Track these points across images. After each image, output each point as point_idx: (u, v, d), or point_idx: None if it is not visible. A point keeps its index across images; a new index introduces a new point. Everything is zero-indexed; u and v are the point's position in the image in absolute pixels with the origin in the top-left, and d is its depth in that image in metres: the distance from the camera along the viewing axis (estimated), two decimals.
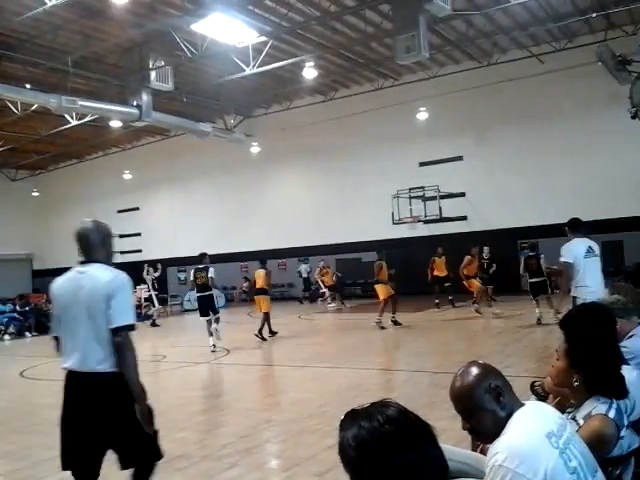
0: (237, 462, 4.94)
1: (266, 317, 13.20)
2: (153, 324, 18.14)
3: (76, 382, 3.30)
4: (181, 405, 7.32)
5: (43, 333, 18.22)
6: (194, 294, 22.31)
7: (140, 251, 29.16)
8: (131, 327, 3.25)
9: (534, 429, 1.87)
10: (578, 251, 6.36)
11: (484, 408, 1.94)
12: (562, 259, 6.36)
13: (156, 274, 18.61)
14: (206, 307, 12.11)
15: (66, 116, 18.95)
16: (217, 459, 5.05)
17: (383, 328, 13.25)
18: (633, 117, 6.99)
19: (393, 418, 1.37)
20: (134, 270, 24.80)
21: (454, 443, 3.39)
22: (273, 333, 13.44)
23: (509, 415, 1.93)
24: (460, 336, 11.54)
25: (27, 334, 17.97)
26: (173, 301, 23.75)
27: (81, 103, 16.25)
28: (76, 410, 3.28)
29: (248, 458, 5.05)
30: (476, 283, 14.62)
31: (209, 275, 11.86)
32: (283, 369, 9.54)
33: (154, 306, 18.60)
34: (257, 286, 13.44)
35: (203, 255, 12.31)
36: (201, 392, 8.18)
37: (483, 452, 2.21)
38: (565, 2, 15.87)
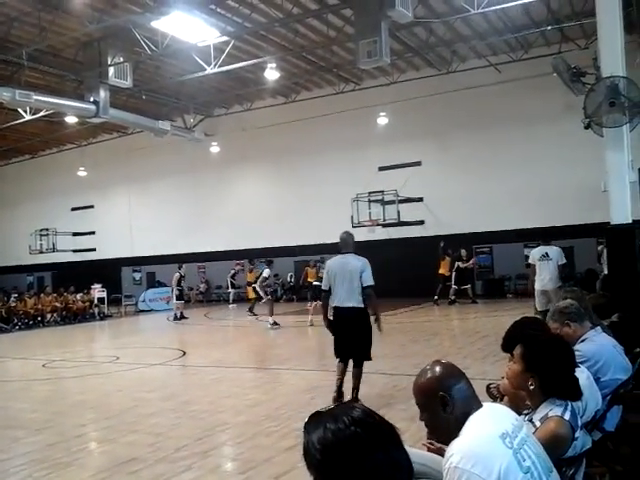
0: (192, 465, 4.86)
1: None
2: (176, 318, 18.64)
3: (340, 312, 6.48)
4: (134, 407, 7.18)
5: None
6: (149, 294, 21.96)
7: (94, 250, 28.56)
8: (373, 286, 6.43)
9: (488, 430, 1.91)
10: (535, 255, 9.52)
11: (432, 411, 2.01)
12: (529, 260, 9.80)
13: (181, 271, 19.17)
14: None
15: (20, 110, 18.39)
16: (171, 462, 4.97)
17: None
18: (586, 127, 7.19)
19: (359, 419, 1.35)
20: (87, 268, 24.41)
21: (411, 444, 3.43)
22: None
23: (465, 416, 1.96)
24: (416, 338, 11.66)
25: None
26: (127, 301, 23.30)
27: (36, 97, 15.81)
28: (343, 327, 6.46)
29: (203, 461, 4.98)
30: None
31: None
32: (239, 371, 9.46)
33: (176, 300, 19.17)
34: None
35: None
36: (155, 394, 8.02)
37: (441, 453, 2.24)
38: (522, 14, 16.27)
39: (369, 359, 6.56)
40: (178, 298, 18.93)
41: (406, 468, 1.37)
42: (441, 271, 18.53)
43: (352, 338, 6.42)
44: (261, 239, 23.38)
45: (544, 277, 9.28)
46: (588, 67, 8.06)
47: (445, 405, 1.97)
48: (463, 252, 18.48)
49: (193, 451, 5.23)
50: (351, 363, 6.59)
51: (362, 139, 21.79)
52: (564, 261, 9.46)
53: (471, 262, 18.67)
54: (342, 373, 6.50)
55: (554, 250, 9.44)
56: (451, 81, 19.56)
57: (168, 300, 21.80)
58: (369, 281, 6.38)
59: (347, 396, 6.47)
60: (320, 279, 15.71)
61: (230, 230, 24.40)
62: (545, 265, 9.32)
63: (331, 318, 6.63)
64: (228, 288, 23.27)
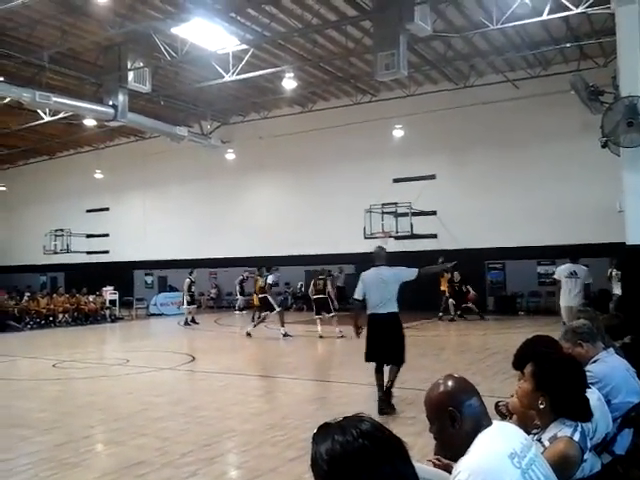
0: (197, 471, 4.87)
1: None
2: (186, 323, 18.71)
3: (376, 318, 7.00)
4: (143, 411, 7.21)
5: (3, 331, 17.79)
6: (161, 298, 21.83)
7: (107, 252, 28.74)
8: (416, 278, 7.14)
9: (497, 449, 1.90)
10: (563, 273, 10.14)
11: (441, 425, 2.02)
12: (554, 276, 10.60)
13: (192, 276, 19.28)
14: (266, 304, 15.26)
15: (39, 111, 18.62)
16: (177, 467, 4.98)
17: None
18: (603, 146, 7.17)
19: (367, 432, 1.36)
20: (100, 270, 24.46)
21: (418, 459, 3.41)
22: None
23: (474, 433, 1.96)
24: (425, 352, 11.60)
25: None
26: (139, 304, 23.40)
27: (55, 99, 15.99)
28: (377, 331, 6.95)
29: (209, 467, 4.98)
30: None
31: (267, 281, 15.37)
32: (247, 378, 9.46)
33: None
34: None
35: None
36: (163, 398, 8.04)
37: (448, 470, 2.23)
38: (540, 31, 16.26)
39: (403, 361, 7.08)
40: (189, 303, 19.01)
41: None
42: (442, 288, 18.31)
43: (387, 342, 6.96)
44: (273, 247, 23.42)
45: (570, 293, 9.89)
46: (606, 86, 8.06)
47: (454, 420, 1.98)
48: (456, 275, 18.08)
49: (199, 457, 5.24)
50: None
51: (377, 150, 21.82)
52: (590, 280, 10.04)
53: (470, 295, 18.24)
54: (380, 379, 6.97)
55: (582, 269, 10.11)
56: (468, 95, 19.55)
57: (179, 305, 21.87)
58: (414, 271, 7.08)
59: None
60: (318, 292, 15.49)
61: (243, 237, 24.47)
62: (572, 282, 9.97)
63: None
64: (236, 295, 23.29)
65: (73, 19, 14.93)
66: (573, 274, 9.99)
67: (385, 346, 6.95)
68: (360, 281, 7.18)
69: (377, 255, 7.31)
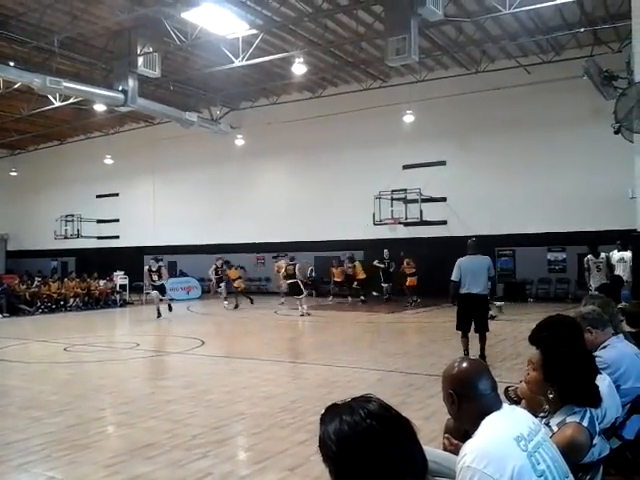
0: (208, 453, 4.92)
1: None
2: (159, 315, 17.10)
3: (469, 297, 8.40)
4: (152, 394, 7.27)
5: (15, 314, 17.96)
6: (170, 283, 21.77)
7: (117, 237, 28.89)
8: (495, 277, 9.14)
9: (502, 432, 1.93)
10: (615, 259, 12.30)
11: (446, 400, 2.16)
12: (612, 262, 12.38)
13: (159, 264, 17.69)
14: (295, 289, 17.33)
15: (49, 97, 18.67)
16: (187, 449, 5.02)
17: None
18: (616, 132, 7.11)
19: (375, 413, 1.37)
20: (110, 255, 24.53)
21: (424, 443, 3.43)
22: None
23: (480, 417, 1.99)
24: (435, 338, 11.62)
25: None
26: (148, 289, 23.51)
27: (66, 84, 16.03)
28: (467, 307, 8.50)
29: (219, 450, 5.02)
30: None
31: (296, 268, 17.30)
32: (257, 363, 9.52)
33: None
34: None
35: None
36: (173, 382, 8.12)
37: (456, 452, 2.25)
38: (554, 15, 16.06)
39: (488, 330, 8.77)
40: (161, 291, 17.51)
41: (421, 462, 1.39)
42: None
43: (476, 315, 8.59)
44: (283, 233, 23.46)
45: (622, 275, 11.49)
46: (620, 71, 7.97)
47: (452, 402, 2.09)
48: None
49: (209, 439, 5.28)
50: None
51: (387, 137, 21.71)
52: (631, 264, 11.89)
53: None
54: (466, 344, 8.61)
55: (628, 255, 11.86)
56: (479, 81, 19.37)
57: (189, 290, 21.93)
58: (492, 273, 8.67)
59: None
60: (289, 276, 17.42)
61: (252, 223, 24.50)
62: (621, 267, 12.03)
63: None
64: (215, 285, 20.51)
65: (83, 4, 14.91)
66: (621, 260, 12.06)
67: (473, 318, 8.53)
68: (457, 266, 8.52)
69: (471, 246, 8.66)
